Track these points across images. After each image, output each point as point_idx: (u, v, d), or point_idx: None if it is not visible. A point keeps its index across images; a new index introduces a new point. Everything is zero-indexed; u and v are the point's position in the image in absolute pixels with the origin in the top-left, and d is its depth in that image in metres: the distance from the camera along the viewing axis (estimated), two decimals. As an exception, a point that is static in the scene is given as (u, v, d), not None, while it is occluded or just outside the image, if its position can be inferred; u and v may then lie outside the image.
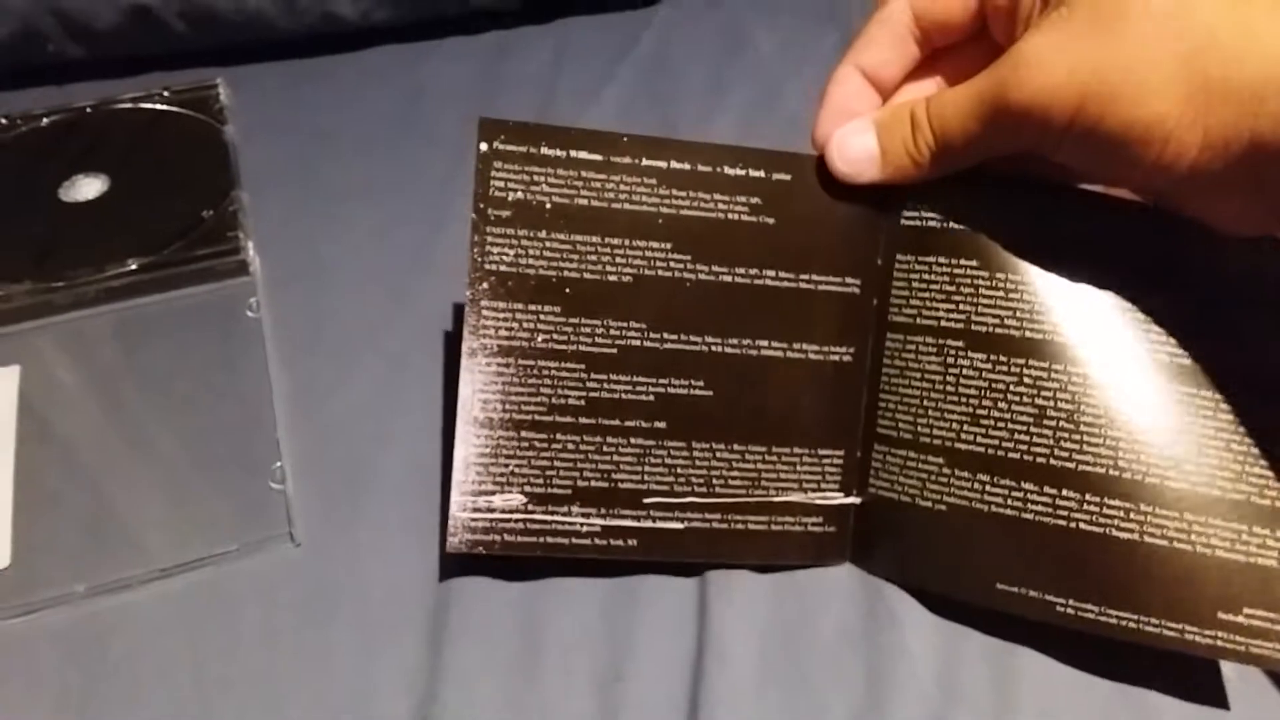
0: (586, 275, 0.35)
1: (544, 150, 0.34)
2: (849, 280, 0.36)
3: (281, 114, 0.55)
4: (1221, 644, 0.31)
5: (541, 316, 0.34)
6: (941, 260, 0.35)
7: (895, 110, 0.34)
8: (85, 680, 0.34)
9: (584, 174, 0.35)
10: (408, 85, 0.57)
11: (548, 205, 0.34)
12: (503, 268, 0.34)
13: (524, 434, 0.34)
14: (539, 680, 0.34)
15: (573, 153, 0.35)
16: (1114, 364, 0.32)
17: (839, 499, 0.37)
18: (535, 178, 0.34)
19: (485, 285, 0.34)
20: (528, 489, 0.34)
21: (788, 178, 0.36)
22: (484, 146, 0.34)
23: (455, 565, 0.36)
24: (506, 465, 0.34)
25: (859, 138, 0.35)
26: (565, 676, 0.34)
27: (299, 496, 0.39)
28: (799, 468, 0.36)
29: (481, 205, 0.34)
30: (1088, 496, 0.32)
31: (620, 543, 0.35)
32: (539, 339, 0.34)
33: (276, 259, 0.47)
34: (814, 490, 0.36)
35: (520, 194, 0.34)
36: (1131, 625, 0.32)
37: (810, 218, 0.36)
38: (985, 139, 0.32)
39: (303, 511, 0.39)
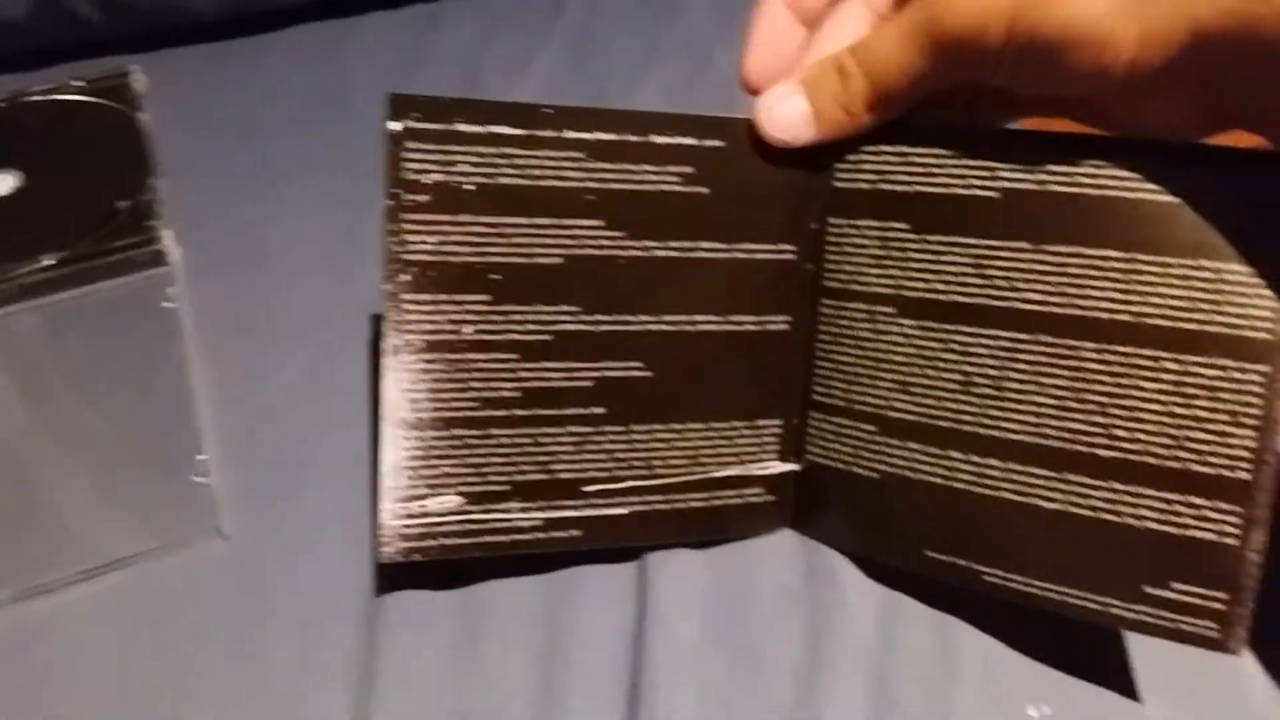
0: (515, 260, 0.33)
1: (461, 127, 0.32)
2: (784, 247, 0.35)
3: (200, 99, 0.53)
4: (1147, 619, 0.30)
5: (469, 307, 0.33)
6: (872, 224, 0.34)
7: (820, 65, 0.33)
8: (11, 688, 0.34)
9: (506, 151, 0.32)
10: (331, 64, 0.55)
11: (469, 186, 0.32)
12: (423, 257, 0.32)
13: (456, 432, 0.33)
14: (478, 664, 0.34)
15: (493, 128, 0.32)
16: (1042, 326, 0.31)
17: (778, 467, 0.36)
18: (454, 157, 0.32)
19: (405, 277, 0.32)
20: (463, 489, 0.33)
21: (720, 144, 0.34)
22: (395, 126, 0.32)
23: (390, 575, 0.35)
24: (439, 466, 0.33)
25: (788, 101, 0.33)
26: (504, 656, 0.34)
27: (226, 490, 0.39)
28: (738, 441, 0.36)
29: (396, 190, 0.32)
30: (1013, 465, 0.32)
31: (562, 534, 0.34)
32: (467, 331, 0.33)
33: (199, 248, 0.46)
34: (753, 462, 0.36)
35: (438, 175, 0.32)
36: (1056, 596, 0.31)
37: (744, 184, 0.35)
38: (923, 74, 0.31)
39: (230, 505, 0.38)
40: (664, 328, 0.35)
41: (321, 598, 0.36)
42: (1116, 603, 0.31)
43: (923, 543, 0.34)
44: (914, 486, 0.33)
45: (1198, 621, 0.30)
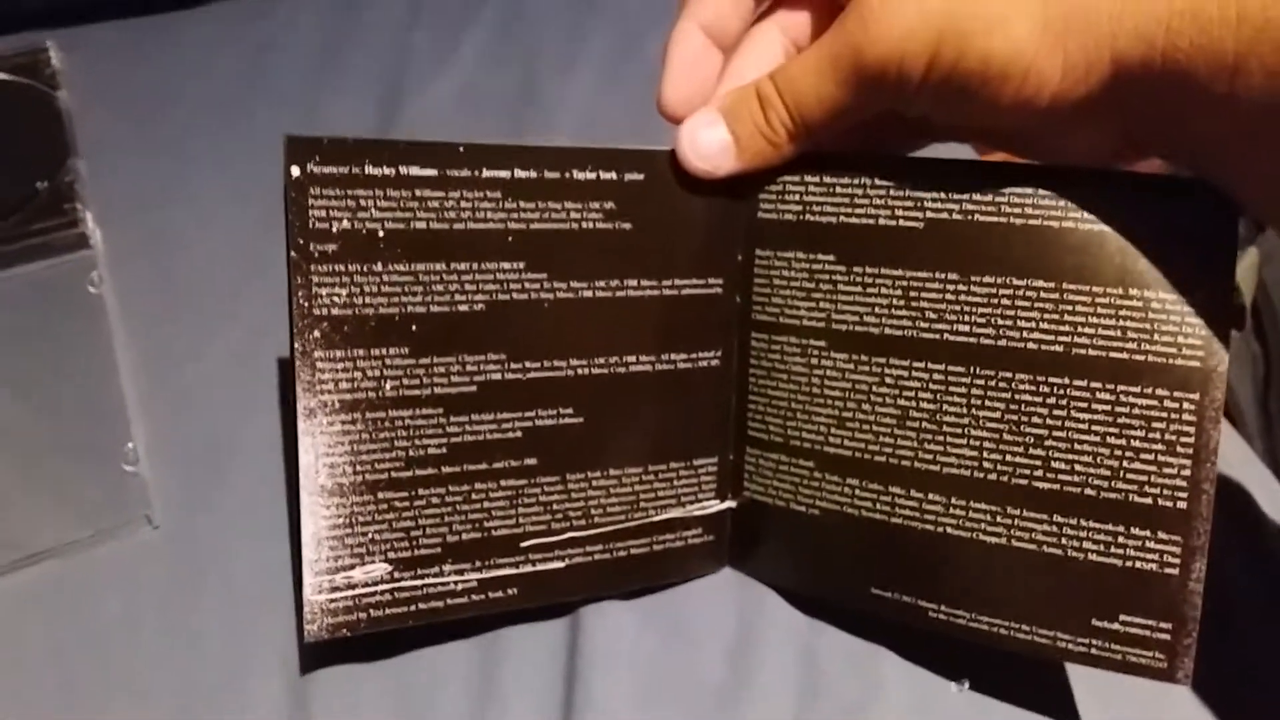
0: (434, 309, 0.31)
1: (369, 170, 0.30)
2: (711, 281, 0.34)
3: (119, 77, 0.51)
4: (1096, 652, 0.30)
5: (387, 361, 0.31)
6: (800, 255, 0.33)
7: (741, 93, 0.32)
8: None
9: (419, 193, 0.30)
10: (252, 41, 0.53)
11: (380, 233, 0.30)
12: (335, 311, 0.30)
13: (381, 495, 0.31)
14: (414, 655, 0.33)
15: (403, 169, 0.30)
16: (974, 359, 0.31)
17: (715, 506, 0.35)
18: (362, 202, 0.30)
19: (316, 334, 0.30)
20: (391, 555, 0.31)
21: (641, 177, 0.33)
22: (295, 171, 0.29)
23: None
24: (365, 533, 0.31)
25: (708, 130, 0.32)
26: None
27: (155, 477, 0.38)
28: (676, 483, 0.35)
29: (301, 241, 0.29)
30: (953, 500, 0.31)
31: (500, 594, 0.33)
32: (387, 387, 0.31)
33: (121, 230, 0.44)
34: (692, 502, 0.35)
35: (346, 223, 0.30)
36: (1003, 632, 0.31)
37: (668, 218, 0.34)
38: (844, 103, 0.30)
39: (160, 492, 0.37)
40: (594, 371, 0.33)
41: (253, 586, 0.35)
42: (1065, 637, 0.30)
43: (867, 580, 0.33)
44: (855, 523, 0.33)
45: (1144, 653, 0.29)
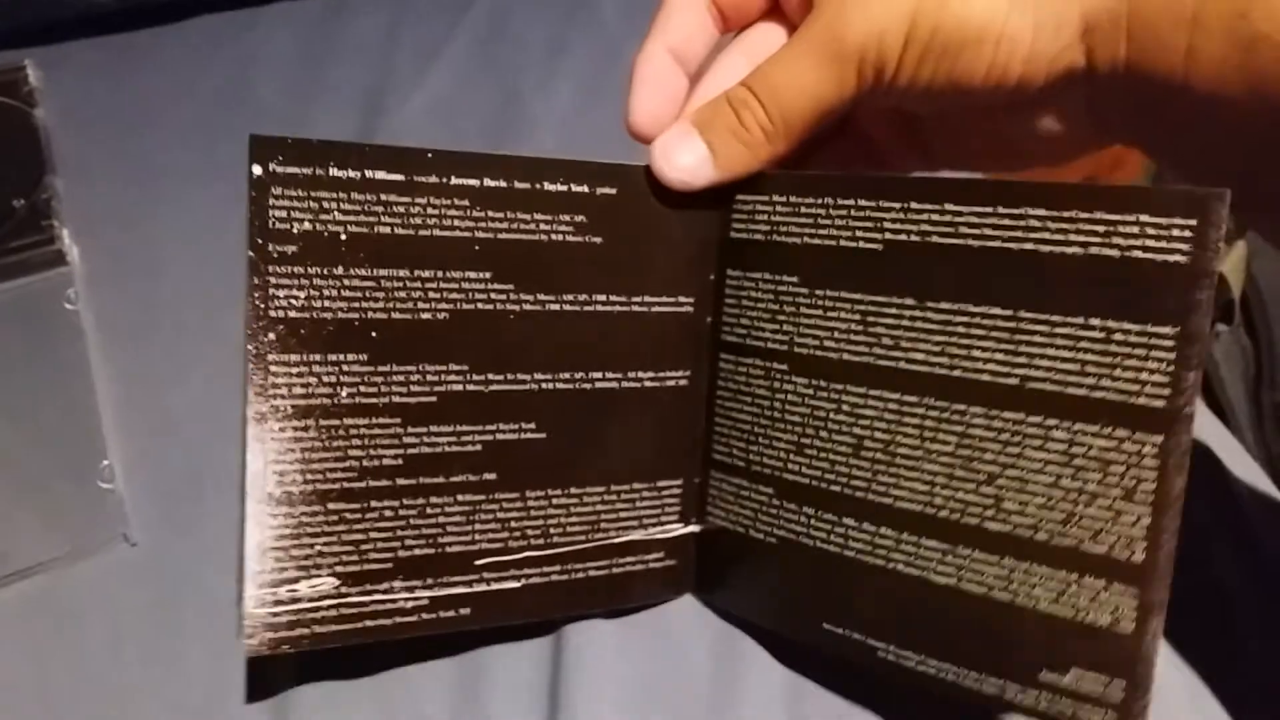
0: (395, 315, 0.30)
1: (334, 172, 0.29)
2: (681, 299, 0.34)
3: (98, 94, 0.51)
4: (1044, 707, 0.28)
5: (344, 367, 0.30)
6: (767, 277, 0.32)
7: (712, 103, 0.32)
8: None
9: (384, 197, 0.30)
10: (233, 56, 0.53)
11: (343, 236, 0.30)
12: (292, 313, 0.29)
13: (331, 506, 0.30)
14: (397, 672, 0.34)
15: (369, 173, 0.30)
16: (927, 389, 0.29)
17: (678, 530, 0.35)
18: (325, 204, 0.29)
19: (272, 336, 0.29)
20: (339, 569, 0.30)
21: (613, 191, 0.33)
22: (257, 170, 0.29)
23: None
24: (312, 545, 0.30)
25: (682, 142, 0.32)
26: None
27: (133, 496, 0.38)
28: (639, 504, 0.34)
29: (260, 240, 0.29)
30: (905, 536, 0.30)
31: (451, 613, 0.32)
32: (343, 394, 0.30)
33: (100, 248, 0.44)
34: (654, 525, 0.35)
35: (308, 224, 0.29)
36: (950, 678, 0.29)
37: (639, 234, 0.33)
38: (824, 91, 0.30)
39: (138, 511, 0.38)
40: (559, 386, 0.33)
41: (231, 606, 0.34)
42: (1014, 687, 0.28)
43: (820, 614, 0.32)
44: (810, 554, 0.32)
45: (1096, 710, 0.27)
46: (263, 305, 0.29)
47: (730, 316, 0.33)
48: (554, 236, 0.32)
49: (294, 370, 0.30)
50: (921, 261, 0.29)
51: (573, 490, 0.33)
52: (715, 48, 0.34)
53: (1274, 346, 0.48)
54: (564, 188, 0.32)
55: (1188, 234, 0.25)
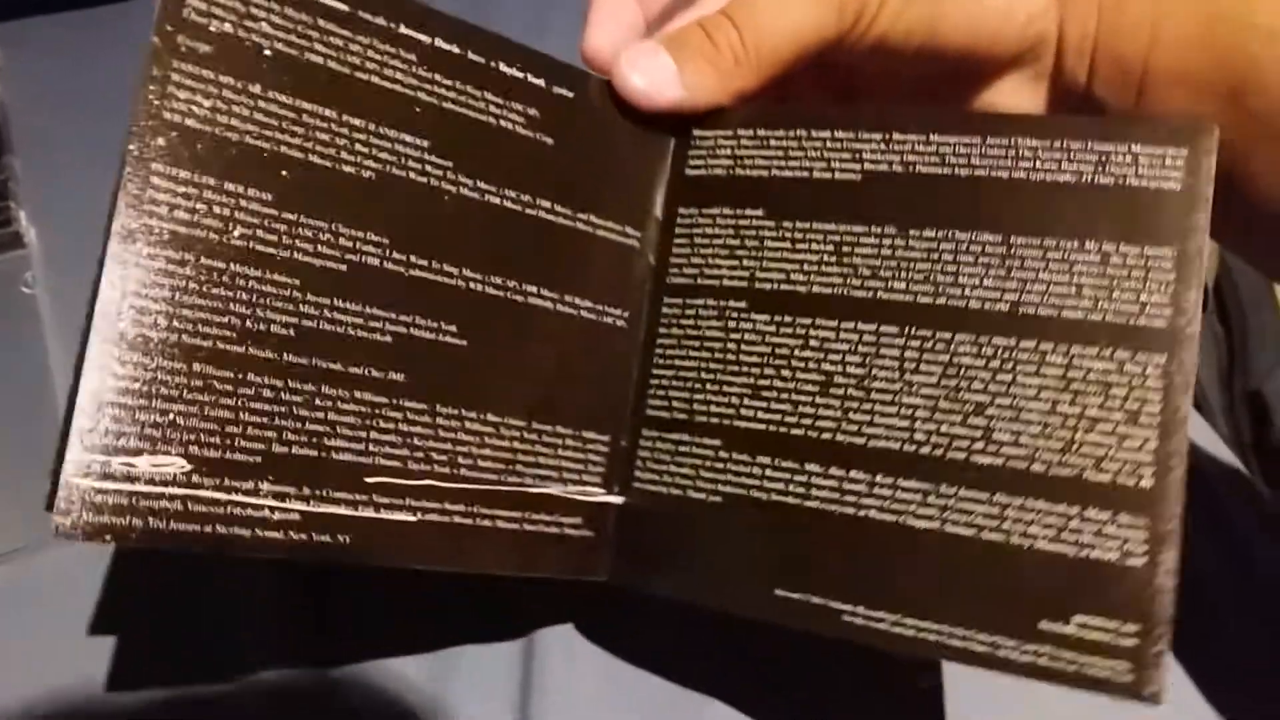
0: (314, 159, 0.26)
1: None
2: (629, 232, 0.31)
3: (58, 72, 0.48)
4: (1045, 663, 0.24)
5: (242, 202, 0.25)
6: (726, 212, 0.30)
7: (684, 26, 0.30)
8: None
9: (322, 23, 0.26)
10: None
11: (267, 51, 0.25)
12: (191, 122, 0.24)
13: (198, 367, 0.24)
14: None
15: None
16: (910, 318, 0.27)
17: (599, 495, 0.30)
18: (254, 11, 0.25)
19: (161, 141, 0.24)
20: (195, 451, 0.24)
21: (570, 95, 0.30)
22: None
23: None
24: (165, 412, 0.23)
25: (651, 57, 0.30)
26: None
27: None
28: (560, 452, 0.29)
29: (170, 29, 0.24)
30: (879, 478, 0.27)
31: (327, 538, 0.25)
32: (235, 233, 0.25)
33: (58, 230, 0.42)
34: (574, 483, 0.29)
35: (229, 27, 0.25)
36: (932, 638, 0.25)
37: (591, 148, 0.30)
38: (804, 27, 0.29)
39: None
40: (488, 290, 0.28)
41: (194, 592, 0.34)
42: (1007, 643, 0.25)
43: (770, 579, 0.27)
44: (761, 509, 0.28)
45: (1104, 663, 0.24)
46: (157, 103, 0.24)
47: (680, 257, 0.30)
48: (503, 123, 0.29)
49: (180, 189, 0.24)
50: (905, 191, 0.28)
51: (490, 417, 0.28)
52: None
53: (1246, 334, 0.50)
54: (519, 74, 0.29)
55: (1180, 163, 0.25)
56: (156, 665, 0.32)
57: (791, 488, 0.27)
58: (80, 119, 0.45)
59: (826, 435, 0.27)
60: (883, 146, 0.28)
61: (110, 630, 0.33)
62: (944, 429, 0.26)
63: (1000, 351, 0.26)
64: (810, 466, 0.27)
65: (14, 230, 0.42)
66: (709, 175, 0.30)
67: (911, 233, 0.28)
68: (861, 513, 0.27)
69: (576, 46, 0.48)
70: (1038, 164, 0.27)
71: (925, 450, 0.26)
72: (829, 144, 0.29)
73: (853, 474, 0.27)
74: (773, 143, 0.30)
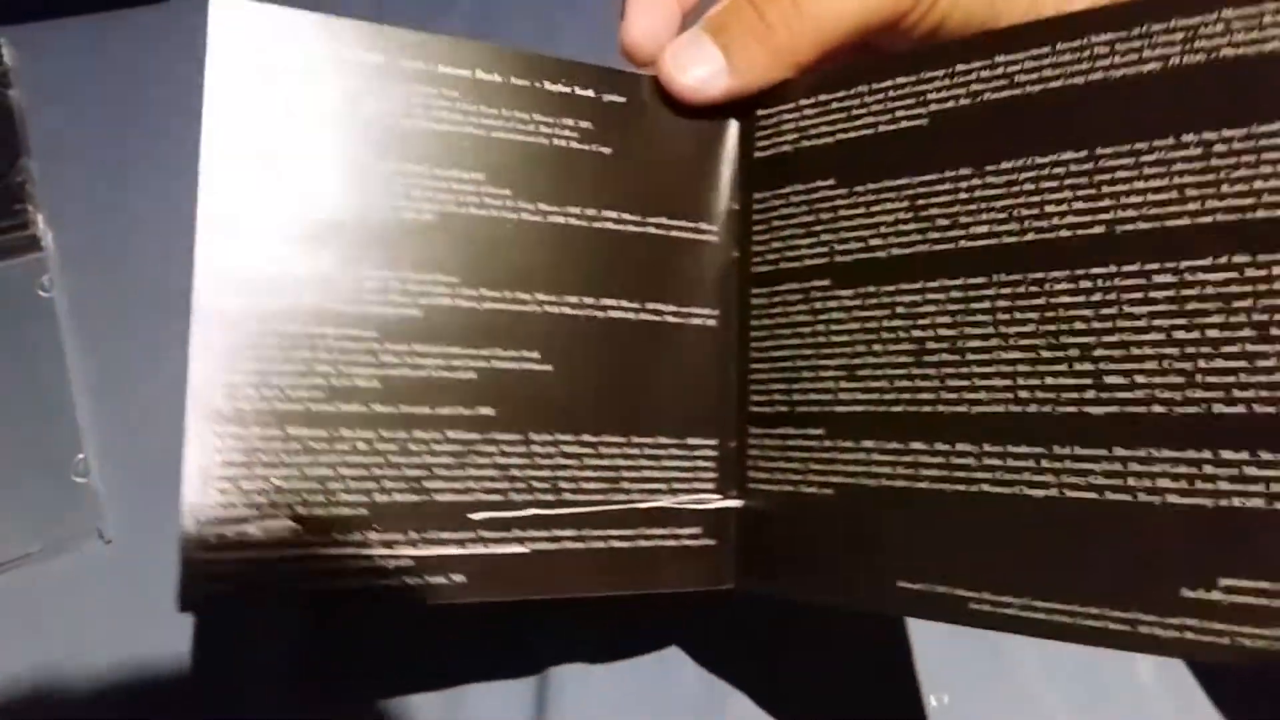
0: (372, 210, 0.26)
1: (308, 46, 0.26)
2: (704, 227, 0.30)
3: (77, 75, 0.49)
4: (1192, 636, 0.21)
5: (309, 264, 0.26)
6: (798, 189, 0.28)
7: (727, 5, 0.29)
8: None
9: (365, 78, 0.27)
10: None
11: (318, 114, 0.26)
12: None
13: (292, 430, 0.25)
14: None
15: (346, 51, 0.26)
16: (997, 263, 0.24)
17: (715, 501, 0.29)
18: (296, 79, 0.26)
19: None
20: (301, 511, 0.25)
21: (622, 100, 0.29)
22: (216, 32, 0.26)
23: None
24: (268, 478, 0.25)
25: (694, 48, 0.29)
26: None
27: (108, 490, 0.36)
28: (666, 463, 0.29)
29: (216, 87, 0.26)
30: (987, 447, 0.24)
31: (441, 579, 0.26)
32: (308, 296, 0.25)
33: (74, 233, 0.42)
34: (685, 493, 0.29)
35: (275, 100, 0.26)
36: (1065, 620, 0.22)
37: (652, 150, 0.29)
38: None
39: (113, 506, 0.36)
40: (566, 310, 0.28)
41: None
42: (1147, 618, 0.21)
43: (892, 571, 0.25)
44: (874, 497, 0.26)
45: (1264, 632, 0.20)
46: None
47: (760, 244, 0.29)
48: (556, 142, 0.29)
49: (252, 257, 0.25)
50: (975, 125, 0.25)
51: (586, 438, 0.28)
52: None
53: None
54: (567, 90, 0.29)
55: None
56: (162, 696, 0.32)
57: (899, 470, 0.25)
58: (96, 122, 0.47)
59: (927, 408, 0.25)
60: (947, 83, 0.26)
61: (116, 655, 0.33)
62: (1049, 382, 0.23)
63: (1101, 282, 0.23)
64: (915, 444, 0.25)
65: (31, 233, 0.41)
66: (777, 154, 0.29)
67: (988, 169, 0.25)
68: (974, 488, 0.24)
69: (588, 53, 0.46)
70: (1116, 59, 0.23)
71: (1032, 409, 0.23)
72: (891, 93, 0.27)
73: (959, 446, 0.24)
74: (835, 105, 0.28)
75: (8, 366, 0.39)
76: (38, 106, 0.47)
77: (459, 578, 0.26)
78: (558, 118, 0.28)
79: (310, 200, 0.26)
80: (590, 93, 0.29)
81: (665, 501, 0.29)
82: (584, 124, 0.29)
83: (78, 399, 0.38)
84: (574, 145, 0.29)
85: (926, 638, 0.34)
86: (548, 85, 0.28)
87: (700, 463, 0.29)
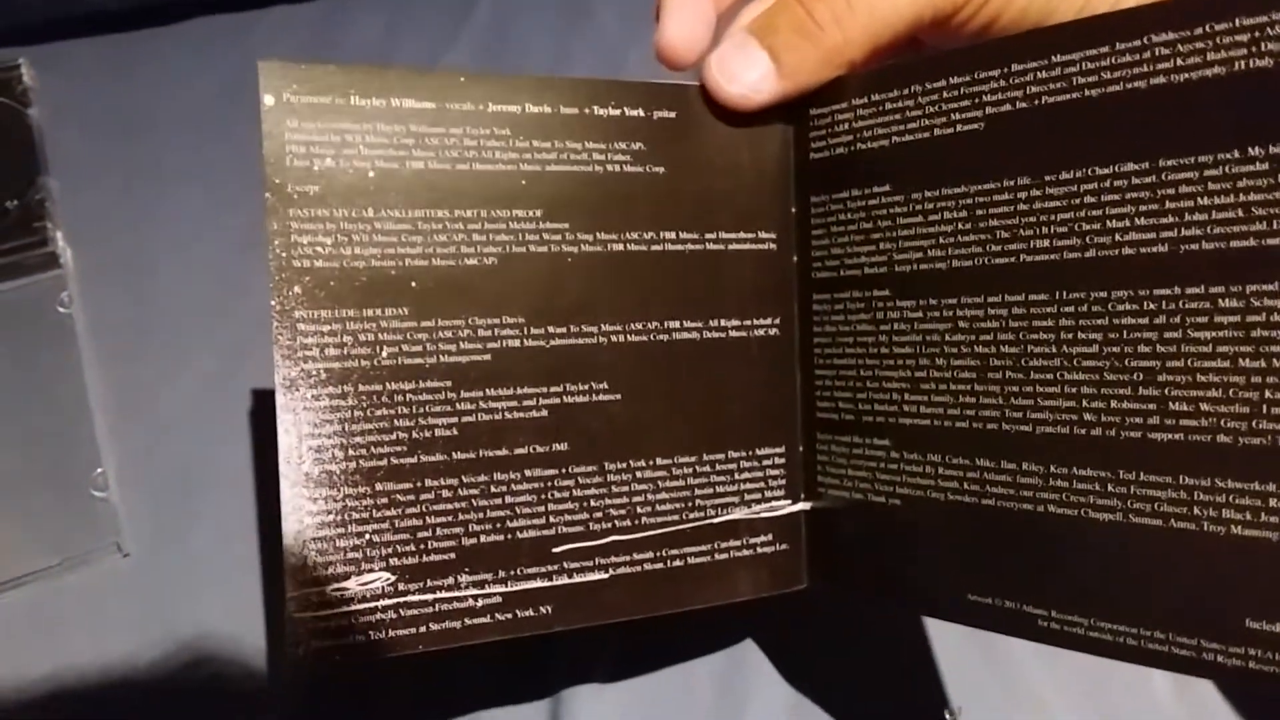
0: (436, 262, 0.27)
1: (356, 101, 0.26)
2: (763, 235, 0.30)
3: (95, 94, 0.49)
4: (1256, 665, 0.21)
5: (383, 324, 0.26)
6: (855, 193, 0.28)
7: (772, 6, 0.28)
8: None
9: (414, 128, 0.26)
10: (232, 59, 0.51)
11: (370, 173, 0.26)
12: (319, 264, 0.26)
13: (379, 486, 0.26)
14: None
15: (394, 101, 0.26)
16: (1059, 280, 0.24)
17: (787, 507, 0.30)
18: (349, 138, 0.26)
19: (297, 289, 0.25)
20: (395, 562, 0.26)
21: (672, 115, 0.29)
22: (269, 100, 0.26)
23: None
24: (361, 534, 0.26)
25: (740, 53, 0.28)
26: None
27: (126, 504, 0.37)
28: (738, 476, 0.29)
29: (278, 180, 0.25)
30: (1052, 468, 0.24)
31: (530, 613, 0.27)
32: (384, 354, 0.26)
33: (93, 251, 0.43)
34: (758, 502, 0.30)
35: (330, 161, 0.26)
36: (1130, 643, 0.23)
37: (706, 162, 0.29)
38: None
39: (130, 520, 0.37)
40: (631, 338, 0.29)
41: (225, 617, 0.34)
42: (1212, 646, 0.21)
43: (962, 584, 0.26)
44: (942, 511, 0.26)
45: None
46: (285, 254, 0.26)
47: (820, 249, 0.29)
48: (610, 167, 0.28)
49: (325, 329, 0.26)
50: (1032, 131, 0.24)
51: (659, 461, 0.29)
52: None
53: None
54: (617, 112, 0.28)
55: None
56: (179, 709, 0.33)
57: (966, 486, 0.26)
58: (114, 140, 0.47)
59: (991, 426, 0.25)
60: (1002, 83, 0.25)
61: (134, 667, 0.33)
62: (1113, 405, 0.23)
63: (1165, 304, 0.22)
64: (981, 461, 0.25)
65: (50, 251, 0.42)
66: (832, 156, 0.28)
67: (1047, 179, 0.24)
68: (1039, 508, 0.24)
69: (597, 74, 0.45)
70: (1178, 61, 0.22)
71: (1096, 432, 0.23)
72: (946, 94, 0.26)
73: (1025, 466, 0.24)
74: (889, 106, 0.27)
75: (27, 382, 0.39)
76: (57, 125, 0.47)
77: (546, 609, 0.28)
78: (610, 143, 0.28)
79: (374, 258, 0.26)
80: (640, 112, 0.29)
81: (739, 514, 0.29)
82: (636, 145, 0.29)
83: (96, 414, 0.39)
84: (628, 169, 0.28)
85: (940, 650, 0.34)
86: (598, 110, 0.28)
87: (770, 470, 0.30)
